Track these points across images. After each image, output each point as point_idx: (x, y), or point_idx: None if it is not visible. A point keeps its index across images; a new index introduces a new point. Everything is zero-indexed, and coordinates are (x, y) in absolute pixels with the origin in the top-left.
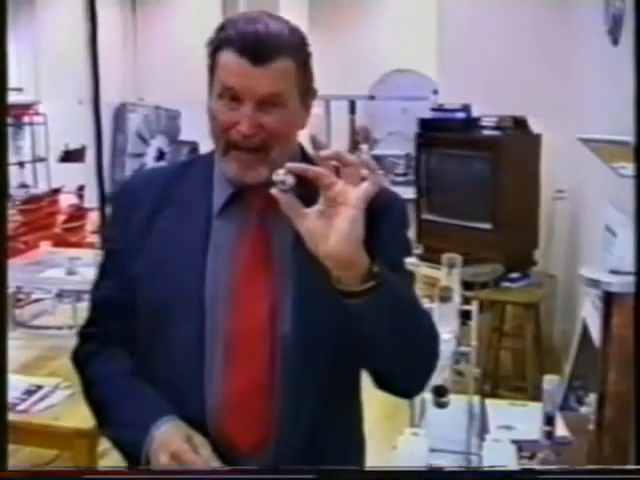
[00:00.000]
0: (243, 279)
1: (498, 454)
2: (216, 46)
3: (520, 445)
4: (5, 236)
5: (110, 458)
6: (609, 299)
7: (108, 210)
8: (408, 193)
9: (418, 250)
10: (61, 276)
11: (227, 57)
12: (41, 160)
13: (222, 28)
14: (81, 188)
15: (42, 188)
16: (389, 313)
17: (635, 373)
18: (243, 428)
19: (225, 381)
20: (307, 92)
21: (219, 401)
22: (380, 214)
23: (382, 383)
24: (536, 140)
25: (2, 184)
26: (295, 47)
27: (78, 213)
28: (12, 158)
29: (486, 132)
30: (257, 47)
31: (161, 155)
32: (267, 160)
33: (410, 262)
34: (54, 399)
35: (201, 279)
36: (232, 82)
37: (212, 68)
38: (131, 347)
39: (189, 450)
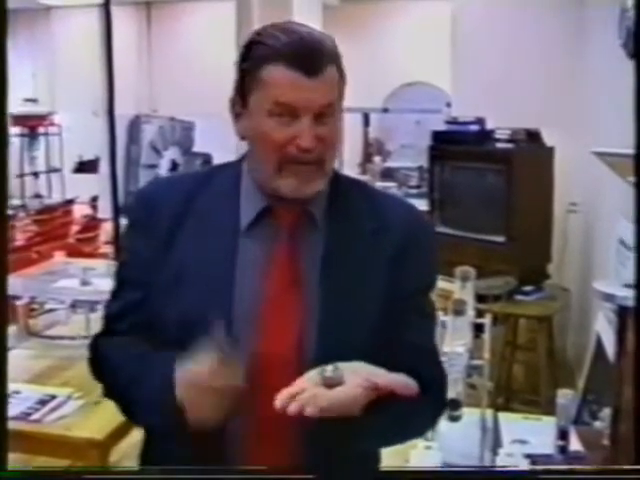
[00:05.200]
0: (272, 301)
1: None
2: (259, 62)
3: (534, 459)
4: (5, 249)
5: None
6: (624, 313)
7: (122, 220)
8: (421, 205)
9: None
10: (75, 286)
11: (278, 72)
12: (55, 170)
13: (259, 42)
14: (95, 199)
15: (56, 198)
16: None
17: None
18: (266, 454)
19: (249, 406)
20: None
21: (242, 427)
22: (407, 245)
23: None
24: (549, 153)
25: (2, 196)
26: (336, 54)
27: (92, 224)
28: (27, 168)
29: (499, 145)
30: (309, 58)
31: (174, 166)
32: (323, 171)
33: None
34: (67, 409)
35: (229, 299)
36: (288, 97)
37: (250, 85)
38: None
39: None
